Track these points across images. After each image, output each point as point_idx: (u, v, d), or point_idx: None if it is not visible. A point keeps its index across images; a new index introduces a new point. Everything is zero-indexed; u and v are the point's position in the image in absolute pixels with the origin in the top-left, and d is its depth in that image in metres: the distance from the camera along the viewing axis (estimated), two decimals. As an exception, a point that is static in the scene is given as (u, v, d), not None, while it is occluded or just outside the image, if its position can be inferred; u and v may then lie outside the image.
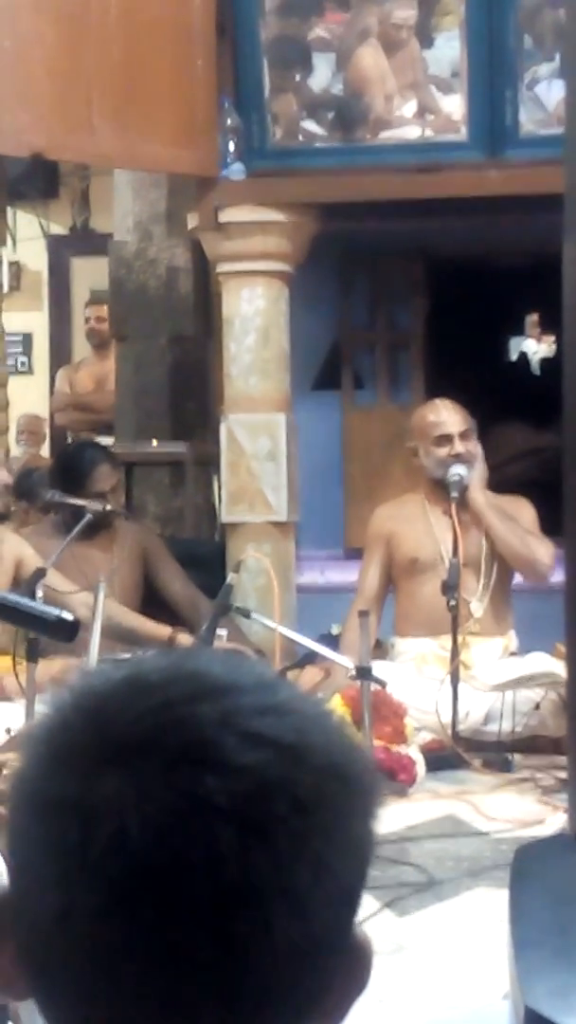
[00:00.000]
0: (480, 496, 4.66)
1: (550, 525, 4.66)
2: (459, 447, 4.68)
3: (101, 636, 2.77)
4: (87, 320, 7.83)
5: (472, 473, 4.63)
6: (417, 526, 4.75)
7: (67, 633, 2.39)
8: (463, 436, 4.70)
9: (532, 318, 7.35)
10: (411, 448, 4.83)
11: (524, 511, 4.75)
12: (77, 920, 0.64)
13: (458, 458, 4.66)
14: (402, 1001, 2.39)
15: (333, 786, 0.69)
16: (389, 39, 5.12)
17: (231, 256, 5.31)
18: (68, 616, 2.39)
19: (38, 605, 2.67)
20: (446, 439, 4.70)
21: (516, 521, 4.70)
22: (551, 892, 1.05)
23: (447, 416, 4.74)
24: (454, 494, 4.59)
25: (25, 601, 2.65)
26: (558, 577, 4.62)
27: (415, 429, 4.81)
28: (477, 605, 4.66)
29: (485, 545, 4.71)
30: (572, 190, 1.17)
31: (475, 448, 4.71)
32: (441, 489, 4.66)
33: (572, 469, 1.31)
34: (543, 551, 4.64)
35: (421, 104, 5.14)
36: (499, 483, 4.97)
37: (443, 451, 4.69)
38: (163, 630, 4.36)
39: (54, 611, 2.42)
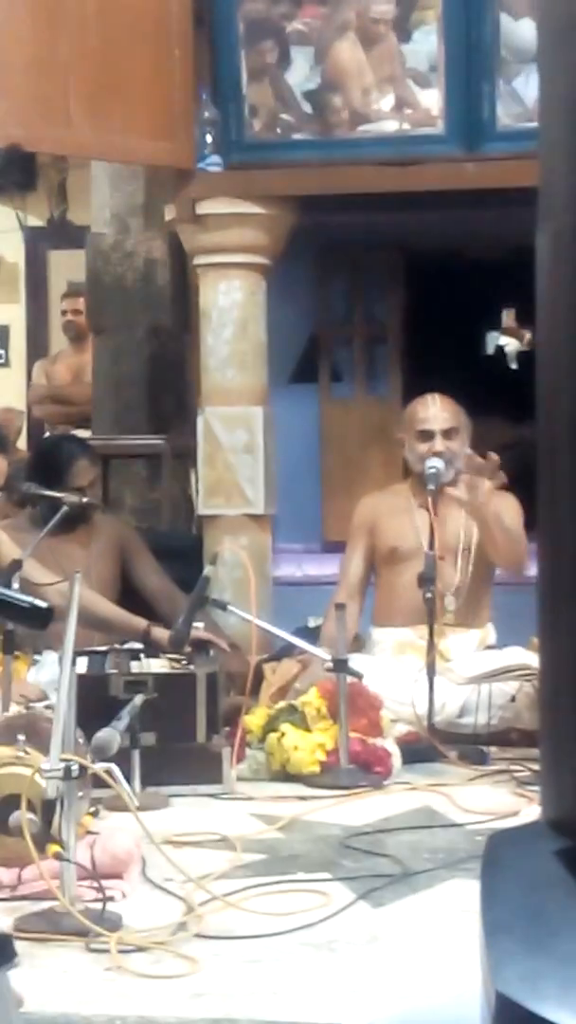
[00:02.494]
0: (490, 505, 4.57)
1: (526, 519, 4.68)
2: (439, 445, 4.69)
3: (77, 624, 2.76)
4: (64, 312, 7.82)
5: (481, 487, 4.53)
6: (400, 516, 4.76)
7: (41, 621, 2.39)
8: (447, 434, 4.71)
9: (509, 312, 7.37)
10: (399, 439, 4.84)
11: (510, 508, 4.74)
12: None
13: (437, 456, 4.67)
14: (376, 991, 2.40)
15: None
16: (367, 33, 5.12)
17: (209, 248, 5.31)
18: (42, 604, 2.39)
19: (11, 592, 2.67)
20: (428, 435, 4.71)
21: (511, 528, 4.64)
22: (523, 878, 1.06)
23: (434, 413, 4.74)
24: (431, 487, 4.60)
25: (-1, 589, 2.65)
26: (535, 571, 4.63)
27: (405, 420, 4.82)
28: (451, 599, 4.67)
29: (463, 538, 4.72)
30: (545, 178, 1.18)
31: (459, 448, 4.71)
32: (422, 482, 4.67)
33: (546, 463, 1.31)
34: (520, 544, 4.64)
35: (399, 98, 5.15)
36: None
37: (424, 447, 4.70)
38: (139, 622, 4.36)
39: (27, 598, 2.42)
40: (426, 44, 5.12)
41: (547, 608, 1.28)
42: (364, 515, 4.86)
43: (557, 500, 1.29)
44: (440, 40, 5.06)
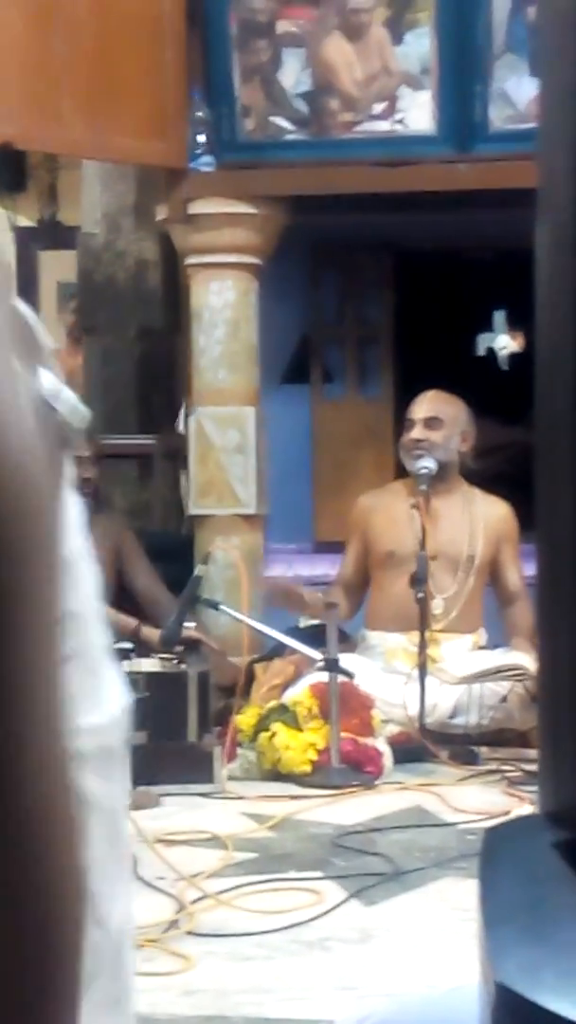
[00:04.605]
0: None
1: (521, 520, 4.68)
2: (417, 432, 4.68)
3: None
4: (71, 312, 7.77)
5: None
6: (396, 518, 4.73)
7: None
8: (428, 424, 4.70)
9: (500, 313, 7.37)
10: None
11: (508, 525, 4.73)
12: None
13: (416, 445, 4.66)
14: (368, 989, 2.40)
15: None
16: (351, 26, 5.12)
17: (200, 249, 5.30)
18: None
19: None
20: (411, 424, 4.72)
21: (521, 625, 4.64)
22: (521, 870, 1.06)
23: (419, 403, 4.75)
24: (422, 487, 4.60)
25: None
26: (529, 571, 4.64)
27: None
28: (440, 602, 4.65)
29: (465, 548, 4.70)
30: (545, 175, 1.18)
31: (442, 439, 4.70)
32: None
33: (544, 464, 1.31)
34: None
35: (390, 94, 5.15)
36: (469, 478, 4.98)
37: (406, 436, 4.71)
38: (129, 621, 4.35)
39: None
40: (418, 46, 5.13)
41: (545, 604, 1.27)
42: (359, 517, 4.85)
43: (556, 498, 1.28)
44: (433, 41, 5.07)
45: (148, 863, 3.05)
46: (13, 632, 0.56)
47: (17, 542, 0.55)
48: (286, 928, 2.72)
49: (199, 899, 2.90)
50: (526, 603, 4.60)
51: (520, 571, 4.70)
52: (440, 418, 4.71)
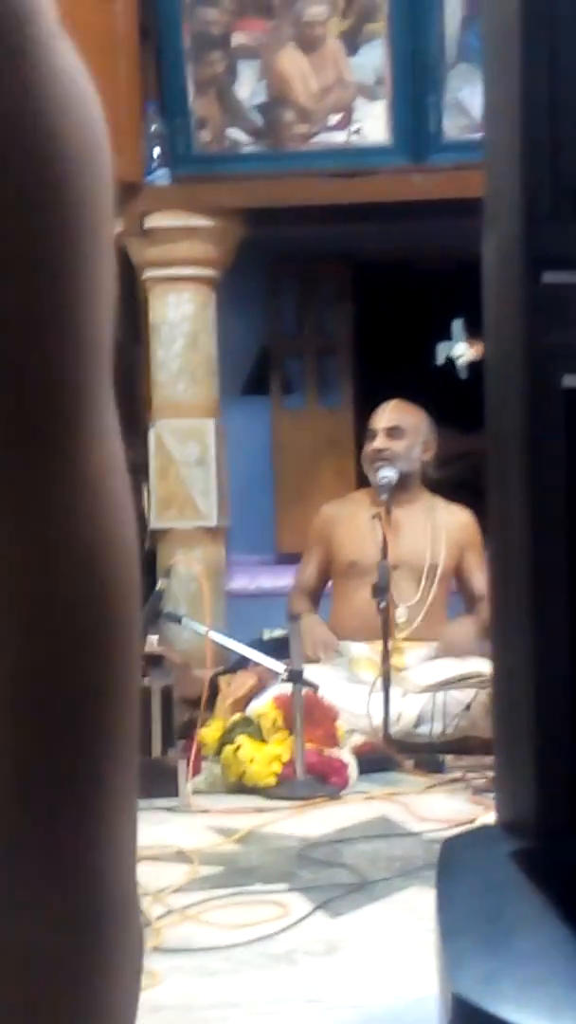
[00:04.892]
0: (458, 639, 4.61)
1: (484, 528, 4.70)
2: (379, 443, 4.70)
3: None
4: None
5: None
6: (359, 528, 4.74)
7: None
8: (390, 434, 4.72)
9: (459, 322, 7.40)
10: None
11: (470, 532, 4.74)
12: None
13: (378, 455, 4.68)
14: (336, 1001, 2.40)
15: None
16: (305, 39, 5.14)
17: (157, 262, 5.30)
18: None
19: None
20: (372, 434, 4.74)
21: (465, 635, 4.67)
22: (478, 881, 1.06)
23: (380, 413, 4.77)
24: (383, 496, 4.61)
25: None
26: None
27: None
28: (403, 610, 4.67)
29: (428, 556, 4.72)
30: (491, 184, 1.18)
31: (404, 449, 4.72)
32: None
33: (495, 479, 1.32)
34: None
35: (345, 105, 5.17)
36: (431, 487, 5.00)
37: (368, 446, 4.73)
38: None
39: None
40: (372, 57, 5.15)
41: (499, 614, 1.29)
42: (322, 526, 4.86)
43: (507, 510, 1.30)
44: (386, 52, 5.09)
45: (113, 879, 3.04)
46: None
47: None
48: (252, 942, 2.72)
49: (165, 914, 2.89)
50: None
51: (485, 576, 4.70)
52: (402, 428, 4.73)
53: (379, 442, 4.69)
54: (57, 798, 0.47)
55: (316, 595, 4.87)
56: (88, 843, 0.48)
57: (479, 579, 4.73)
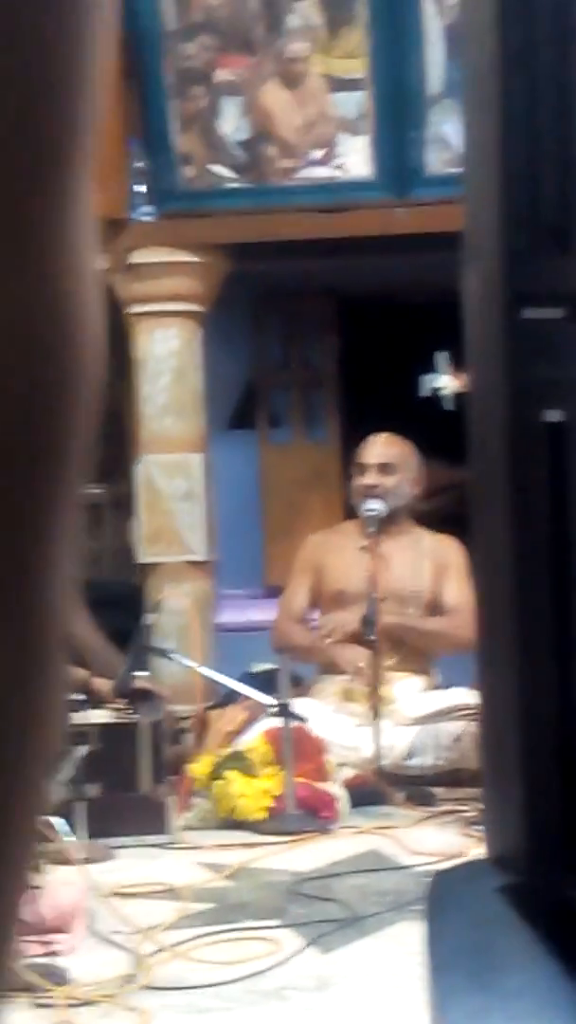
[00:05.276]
0: (392, 621, 4.60)
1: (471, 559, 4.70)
2: (371, 479, 4.70)
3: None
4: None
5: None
6: (347, 558, 4.74)
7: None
8: (381, 469, 4.73)
9: (443, 355, 7.43)
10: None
11: (453, 555, 4.73)
12: None
13: (369, 490, 4.68)
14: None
15: None
16: (287, 75, 5.17)
17: (143, 298, 5.32)
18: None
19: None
20: (363, 469, 4.74)
21: (431, 628, 4.67)
22: (467, 915, 1.06)
23: (371, 448, 4.78)
24: (370, 528, 4.61)
25: None
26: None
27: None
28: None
29: (414, 585, 4.71)
30: (470, 222, 1.19)
31: (395, 484, 4.72)
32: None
33: (478, 510, 1.33)
34: (465, 629, 4.54)
35: (328, 140, 5.20)
36: (418, 519, 5.01)
37: (358, 482, 4.73)
38: (79, 672, 4.32)
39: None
40: (354, 92, 5.18)
41: (485, 648, 1.29)
42: (310, 554, 4.86)
43: (490, 544, 1.30)
44: (368, 88, 5.12)
45: (103, 917, 3.02)
46: None
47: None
48: (243, 979, 2.71)
49: (155, 952, 2.87)
50: (465, 616, 4.45)
51: (462, 590, 4.59)
52: (393, 463, 4.74)
53: (371, 478, 4.70)
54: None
55: (304, 623, 4.86)
56: (32, 574, 0.53)
57: (452, 588, 4.67)
